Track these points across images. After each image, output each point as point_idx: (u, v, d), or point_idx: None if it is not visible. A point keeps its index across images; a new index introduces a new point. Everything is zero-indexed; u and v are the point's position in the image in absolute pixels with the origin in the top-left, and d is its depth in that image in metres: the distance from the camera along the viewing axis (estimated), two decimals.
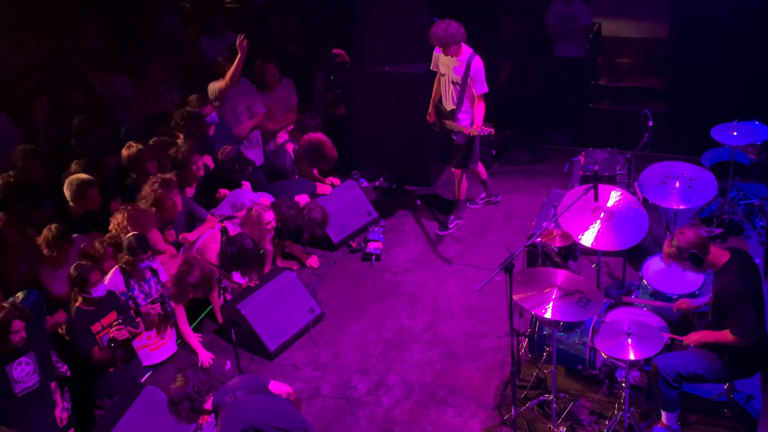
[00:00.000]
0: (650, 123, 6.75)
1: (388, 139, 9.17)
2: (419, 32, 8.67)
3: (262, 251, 7.31)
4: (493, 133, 7.65)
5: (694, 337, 5.53)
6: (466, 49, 7.79)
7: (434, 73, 8.24)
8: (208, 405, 5.13)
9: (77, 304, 6.03)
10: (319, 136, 8.48)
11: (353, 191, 8.73)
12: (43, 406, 5.59)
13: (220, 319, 7.21)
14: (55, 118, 8.73)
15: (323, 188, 8.63)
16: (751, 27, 8.86)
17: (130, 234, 6.44)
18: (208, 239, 7.15)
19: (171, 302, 6.73)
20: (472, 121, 7.91)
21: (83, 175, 7.01)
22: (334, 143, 8.65)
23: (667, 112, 9.66)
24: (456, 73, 7.82)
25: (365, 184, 9.22)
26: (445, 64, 7.91)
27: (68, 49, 9.95)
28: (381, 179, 9.29)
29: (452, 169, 8.46)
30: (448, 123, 8.03)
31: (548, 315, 5.45)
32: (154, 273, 6.67)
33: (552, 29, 9.91)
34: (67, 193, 6.93)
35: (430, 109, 8.27)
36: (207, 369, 5.21)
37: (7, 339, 5.28)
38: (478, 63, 7.75)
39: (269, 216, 7.28)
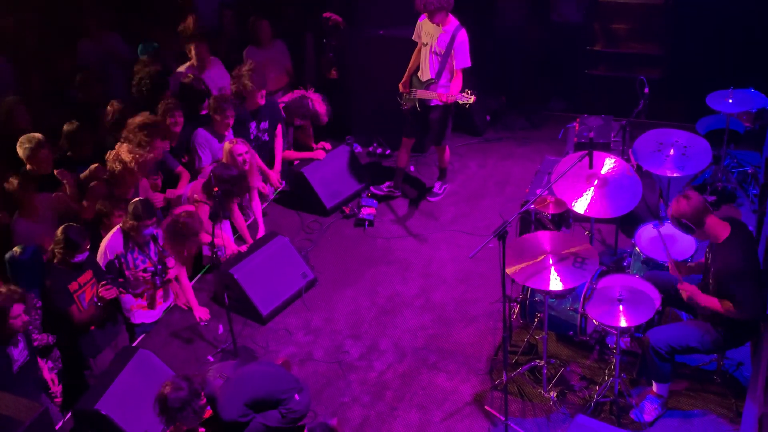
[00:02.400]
0: (646, 90, 6.71)
1: (382, 104, 9.08)
2: None
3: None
4: (474, 100, 7.52)
5: (689, 290, 5.52)
6: (453, 20, 7.65)
7: None
8: (203, 401, 5.14)
9: (54, 262, 6.01)
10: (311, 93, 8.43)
11: (347, 156, 8.70)
12: (32, 378, 5.64)
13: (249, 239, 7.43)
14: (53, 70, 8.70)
15: (317, 153, 8.58)
16: None
17: (137, 199, 6.40)
18: (194, 187, 7.14)
19: (169, 268, 6.73)
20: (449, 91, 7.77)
21: (36, 135, 6.87)
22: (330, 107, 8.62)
23: (663, 78, 9.58)
24: (439, 43, 7.66)
25: (359, 149, 9.18)
26: (428, 33, 7.75)
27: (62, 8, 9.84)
28: (374, 144, 9.26)
29: (435, 147, 8.39)
30: (423, 93, 7.86)
31: (555, 287, 5.47)
32: (154, 239, 6.63)
33: None
34: (19, 152, 6.83)
35: (404, 79, 8.10)
36: (186, 375, 5.22)
37: (7, 324, 5.28)
38: (463, 35, 7.61)
39: (240, 148, 7.27)
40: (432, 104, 7.92)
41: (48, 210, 6.59)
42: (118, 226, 6.45)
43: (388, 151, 9.22)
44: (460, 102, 7.55)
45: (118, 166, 6.67)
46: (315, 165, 8.41)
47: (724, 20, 8.96)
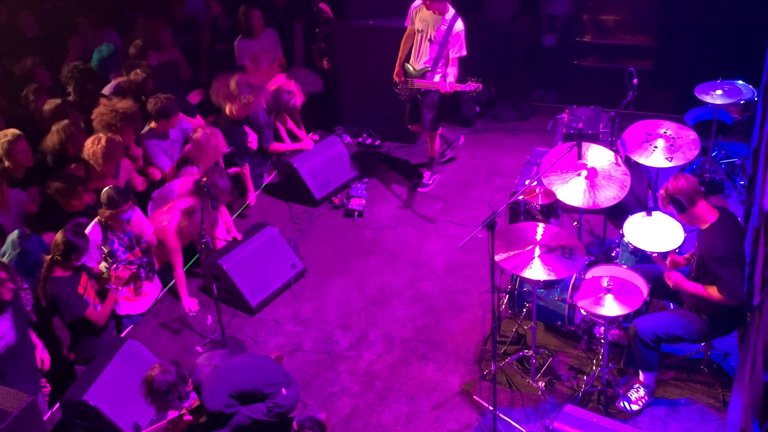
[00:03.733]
0: (635, 81, 6.70)
1: (371, 94, 9.09)
2: None
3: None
4: (480, 88, 7.50)
5: (675, 278, 5.53)
6: (450, 9, 7.61)
7: None
8: (190, 387, 5.14)
9: (54, 275, 5.90)
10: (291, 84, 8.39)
11: (336, 147, 8.69)
12: (22, 361, 5.58)
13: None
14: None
15: (305, 144, 8.55)
16: None
17: (107, 187, 6.35)
18: (180, 188, 7.11)
19: (154, 262, 6.71)
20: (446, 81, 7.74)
21: (13, 130, 6.83)
22: (318, 97, 8.58)
23: (652, 70, 9.61)
24: (436, 31, 7.61)
25: (348, 140, 9.16)
26: (424, 20, 7.69)
27: None
28: (364, 135, 9.24)
29: (426, 134, 8.34)
30: (420, 82, 7.83)
31: (539, 276, 5.47)
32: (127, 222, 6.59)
33: None
34: None
35: (397, 68, 8.05)
36: (175, 360, 5.24)
37: None
38: (461, 25, 7.58)
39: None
40: (423, 90, 7.90)
41: (17, 206, 6.58)
42: (95, 220, 6.39)
43: (377, 142, 9.20)
44: (467, 91, 7.51)
45: (93, 149, 6.72)
46: (305, 155, 8.40)
47: (712, 12, 8.97)
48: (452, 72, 7.67)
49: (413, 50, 7.88)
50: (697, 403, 5.71)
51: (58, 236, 5.86)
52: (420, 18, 7.75)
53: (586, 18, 10.51)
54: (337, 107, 9.41)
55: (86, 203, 6.61)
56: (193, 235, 6.98)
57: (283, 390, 5.39)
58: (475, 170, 8.74)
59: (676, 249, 6.00)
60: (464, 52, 7.69)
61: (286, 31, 9.63)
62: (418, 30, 7.79)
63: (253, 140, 8.08)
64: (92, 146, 6.73)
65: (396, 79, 8.06)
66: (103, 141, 6.73)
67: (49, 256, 5.89)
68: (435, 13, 7.59)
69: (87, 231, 6.29)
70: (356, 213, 8.12)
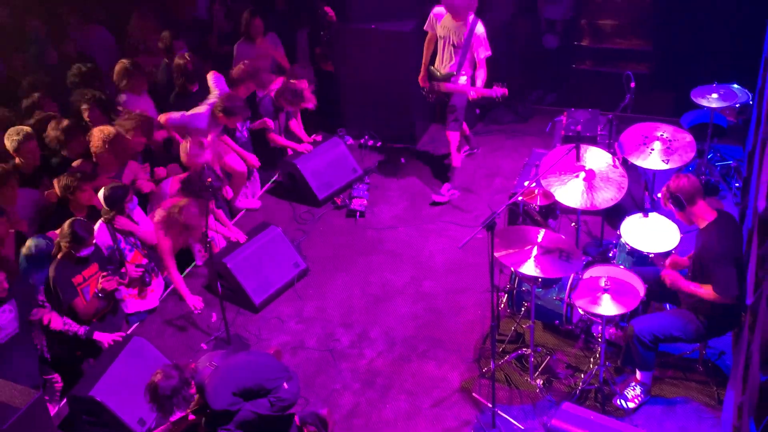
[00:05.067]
0: (632, 84, 6.70)
1: (373, 96, 9.09)
2: None
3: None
4: (506, 93, 7.47)
5: (672, 276, 5.55)
6: (471, 14, 7.62)
7: (420, 31, 8.11)
8: (193, 389, 5.15)
9: (59, 257, 5.97)
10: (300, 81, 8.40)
11: (338, 148, 8.68)
12: (23, 352, 5.61)
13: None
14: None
15: (303, 146, 8.51)
16: None
17: (107, 186, 6.37)
18: (171, 187, 7.14)
19: (154, 270, 6.74)
20: (473, 84, 7.75)
21: (24, 127, 6.82)
22: (321, 99, 8.59)
23: (649, 74, 9.60)
24: (458, 35, 7.61)
25: (350, 141, 9.16)
26: (446, 27, 7.69)
27: None
28: (366, 137, 9.24)
29: (447, 132, 8.17)
30: (445, 86, 7.83)
31: (534, 272, 5.47)
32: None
33: None
34: (7, 144, 6.78)
35: (422, 73, 8.04)
36: (177, 364, 5.24)
37: None
38: (481, 27, 7.58)
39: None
40: (456, 94, 7.89)
41: (29, 204, 6.58)
42: (101, 220, 6.40)
43: (379, 144, 9.19)
44: (494, 96, 7.50)
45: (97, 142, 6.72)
46: (307, 156, 8.38)
47: (708, 16, 8.97)
48: (480, 75, 7.68)
49: (438, 55, 7.87)
50: (693, 401, 5.72)
51: (65, 225, 5.90)
52: (442, 25, 7.75)
53: (584, 22, 10.51)
54: (339, 109, 9.40)
55: (93, 203, 6.61)
56: (187, 238, 6.95)
57: (285, 384, 5.40)
58: (474, 171, 8.73)
59: (672, 250, 6.01)
60: (489, 53, 7.69)
61: (288, 34, 9.62)
62: (440, 36, 7.78)
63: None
64: (99, 135, 6.71)
65: (421, 83, 8.06)
66: (110, 132, 6.72)
67: (58, 240, 5.96)
68: (456, 18, 7.60)
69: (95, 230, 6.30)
70: (358, 213, 8.12)
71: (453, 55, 7.74)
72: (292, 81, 8.28)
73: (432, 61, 8.04)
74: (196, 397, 5.19)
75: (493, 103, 9.23)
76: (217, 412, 5.18)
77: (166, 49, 8.57)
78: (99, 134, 6.73)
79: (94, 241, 6.03)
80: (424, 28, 7.99)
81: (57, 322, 5.85)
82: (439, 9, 7.80)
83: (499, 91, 7.45)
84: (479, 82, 7.67)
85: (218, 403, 5.15)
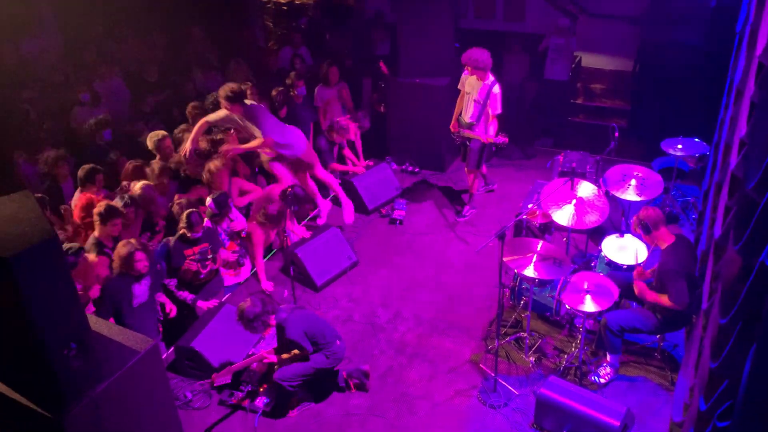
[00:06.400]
0: (617, 134, 6.64)
1: (413, 133, 9.09)
2: (443, 54, 8.59)
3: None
4: (507, 141, 7.40)
5: (640, 287, 5.48)
6: (490, 76, 7.55)
7: (453, 85, 8.11)
8: (272, 321, 5.18)
9: (176, 236, 6.05)
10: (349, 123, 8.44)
11: (385, 172, 8.68)
12: (148, 313, 5.69)
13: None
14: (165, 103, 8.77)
15: (357, 169, 8.55)
16: (698, 67, 8.68)
17: (214, 193, 6.43)
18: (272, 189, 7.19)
19: (244, 255, 6.81)
20: (486, 132, 7.71)
21: (161, 132, 6.96)
22: (375, 134, 8.61)
23: (627, 127, 9.51)
24: (479, 94, 7.56)
25: (395, 166, 9.17)
26: (471, 85, 7.65)
27: (181, 49, 9.97)
28: (407, 164, 9.24)
29: (466, 169, 8.15)
30: (468, 133, 7.79)
31: (532, 274, 5.43)
32: (231, 221, 6.66)
33: (548, 53, 9.72)
34: (149, 144, 6.87)
35: (453, 121, 7.99)
36: (269, 295, 5.29)
37: (133, 265, 5.35)
38: (498, 89, 7.53)
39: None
40: (470, 137, 7.86)
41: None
42: (206, 217, 6.40)
43: (417, 169, 9.18)
44: (497, 143, 7.45)
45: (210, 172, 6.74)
46: (362, 177, 8.40)
47: (676, 84, 8.88)
48: (492, 127, 7.63)
49: (464, 109, 7.82)
50: (651, 381, 5.62)
51: (184, 215, 5.98)
52: (468, 83, 7.71)
53: (579, 85, 10.45)
54: (387, 141, 9.43)
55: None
56: (273, 233, 7.01)
57: (338, 341, 5.43)
58: (489, 195, 8.68)
59: (640, 263, 5.92)
60: (500, 110, 7.61)
61: (356, 83, 9.69)
62: (466, 92, 7.76)
63: None
64: (209, 166, 6.77)
65: (451, 129, 8.01)
66: (217, 164, 6.75)
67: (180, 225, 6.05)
68: (478, 79, 7.55)
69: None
70: (398, 221, 8.11)
71: (474, 109, 7.70)
72: (336, 120, 8.33)
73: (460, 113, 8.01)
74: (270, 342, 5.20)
75: (505, 145, 9.24)
76: (289, 341, 5.19)
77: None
78: (213, 164, 6.77)
79: (201, 228, 6.09)
80: (458, 86, 7.96)
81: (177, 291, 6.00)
82: (467, 71, 7.78)
83: (501, 139, 7.39)
84: (491, 131, 7.62)
85: (293, 333, 5.18)
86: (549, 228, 6.72)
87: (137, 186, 6.34)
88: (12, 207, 3.23)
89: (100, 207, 5.77)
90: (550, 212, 6.21)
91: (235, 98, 6.63)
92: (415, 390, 5.72)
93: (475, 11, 10.91)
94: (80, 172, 6.34)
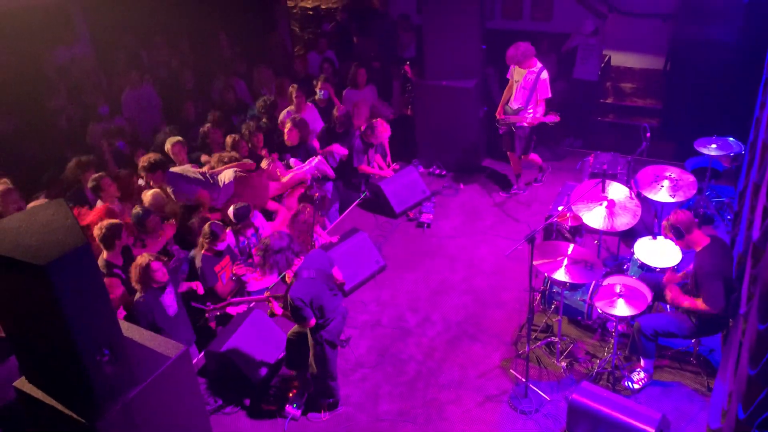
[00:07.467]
0: (648, 134, 6.54)
1: (440, 136, 9.07)
2: (469, 56, 8.56)
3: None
4: (558, 120, 7.51)
5: (673, 293, 5.39)
6: (537, 63, 7.69)
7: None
8: (296, 265, 5.04)
9: (203, 252, 6.09)
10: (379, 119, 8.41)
11: (412, 175, 8.67)
12: (183, 322, 5.76)
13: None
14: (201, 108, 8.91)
15: (385, 172, 8.57)
16: (730, 64, 8.53)
17: (234, 205, 6.49)
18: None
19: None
20: (535, 114, 7.84)
21: (175, 137, 7.25)
22: (402, 137, 8.61)
23: (660, 126, 9.37)
24: (526, 80, 7.71)
25: (422, 169, 9.16)
26: (519, 73, 7.81)
27: (209, 56, 10.10)
28: (434, 167, 9.23)
29: (509, 153, 8.29)
30: (514, 118, 7.91)
31: (564, 278, 5.36)
32: (256, 230, 6.72)
33: (578, 53, 9.64)
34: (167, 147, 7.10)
35: (499, 109, 8.11)
36: (291, 234, 5.14)
37: (152, 276, 5.40)
38: (546, 74, 7.67)
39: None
40: (518, 125, 7.93)
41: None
42: (228, 228, 6.45)
43: (444, 172, 9.17)
44: (548, 123, 7.56)
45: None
46: (389, 180, 8.40)
47: (709, 82, 8.74)
48: (540, 110, 7.78)
49: (512, 96, 7.94)
50: (686, 387, 5.51)
51: (205, 227, 6.04)
52: (516, 72, 7.85)
53: (609, 84, 10.32)
54: (414, 145, 9.43)
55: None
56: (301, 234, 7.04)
57: (340, 317, 5.26)
58: (519, 198, 8.62)
59: (674, 267, 5.82)
60: (549, 95, 7.74)
61: (385, 86, 9.72)
62: (515, 80, 7.88)
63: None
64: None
65: (497, 116, 8.12)
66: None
67: (200, 239, 6.11)
68: (526, 67, 7.69)
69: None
70: (426, 225, 8.09)
71: (521, 95, 7.79)
72: (372, 120, 8.34)
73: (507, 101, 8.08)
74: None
75: (538, 143, 9.19)
76: (290, 304, 5.01)
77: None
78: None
79: (225, 238, 6.14)
80: (507, 76, 8.07)
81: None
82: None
83: (551, 117, 7.48)
84: (540, 112, 7.75)
85: (295, 293, 4.98)
86: (580, 231, 6.63)
87: (148, 194, 6.43)
88: (46, 215, 3.31)
89: (100, 230, 5.59)
90: (580, 214, 6.13)
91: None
92: (445, 395, 5.69)
93: (502, 11, 10.87)
94: (90, 182, 6.47)
